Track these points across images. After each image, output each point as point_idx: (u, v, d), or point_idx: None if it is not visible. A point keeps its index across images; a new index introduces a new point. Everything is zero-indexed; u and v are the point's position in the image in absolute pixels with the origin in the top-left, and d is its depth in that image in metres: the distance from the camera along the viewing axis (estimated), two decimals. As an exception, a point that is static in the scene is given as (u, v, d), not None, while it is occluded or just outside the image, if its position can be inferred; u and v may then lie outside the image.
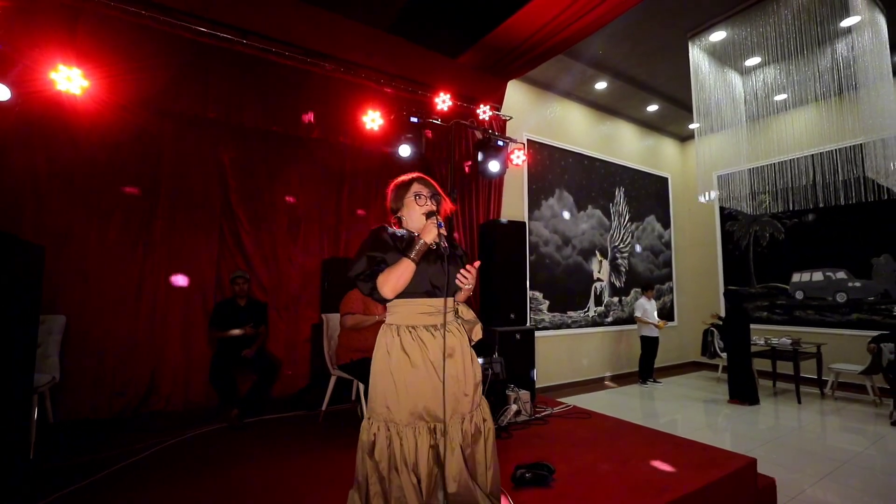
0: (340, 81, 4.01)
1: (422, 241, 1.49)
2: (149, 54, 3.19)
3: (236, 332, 3.51)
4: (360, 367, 3.05)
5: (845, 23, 4.26)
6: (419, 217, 1.58)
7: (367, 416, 1.53)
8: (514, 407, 3.26)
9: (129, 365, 3.44)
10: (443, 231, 1.51)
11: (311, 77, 3.87)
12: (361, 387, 3.06)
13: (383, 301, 1.55)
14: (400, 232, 1.60)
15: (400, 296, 1.51)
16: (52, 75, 2.77)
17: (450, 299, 1.55)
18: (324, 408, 3.34)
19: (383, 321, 1.58)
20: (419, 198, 1.60)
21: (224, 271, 3.88)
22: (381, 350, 1.52)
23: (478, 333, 1.67)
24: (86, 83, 2.86)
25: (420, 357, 1.48)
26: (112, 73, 3.04)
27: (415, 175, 1.66)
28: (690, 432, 3.74)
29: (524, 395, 3.39)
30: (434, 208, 1.59)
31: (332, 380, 3.32)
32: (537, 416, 3.43)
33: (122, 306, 3.45)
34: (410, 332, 1.50)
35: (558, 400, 4.13)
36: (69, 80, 2.79)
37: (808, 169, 5.43)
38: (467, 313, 1.68)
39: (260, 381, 3.42)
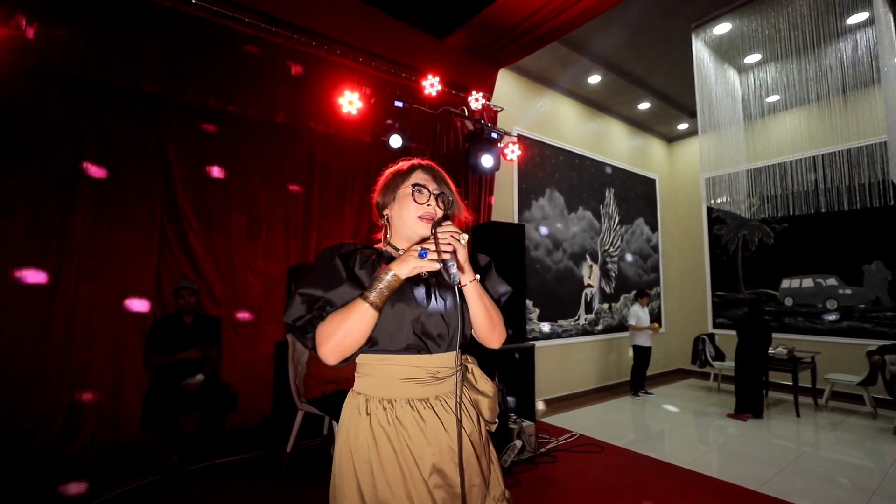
0: (311, 57, 3.41)
1: (390, 275, 0.90)
2: (65, 6, 2.50)
3: (186, 355, 2.86)
4: (334, 403, 2.48)
5: (853, 19, 4.03)
6: (413, 221, 1.01)
7: None
8: (518, 443, 2.77)
9: (36, 401, 2.71)
10: (432, 259, 0.90)
11: (276, 50, 3.25)
12: (335, 424, 2.50)
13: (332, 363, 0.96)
14: (374, 250, 1.04)
15: (369, 349, 0.96)
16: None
17: (453, 354, 0.99)
18: (289, 448, 2.74)
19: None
20: (420, 192, 1.02)
21: (166, 281, 3.19)
22: (342, 432, 0.97)
23: (490, 413, 1.06)
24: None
25: (395, 453, 0.92)
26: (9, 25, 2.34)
27: (419, 161, 1.09)
28: (703, 458, 3.36)
29: (528, 427, 2.92)
30: (439, 213, 1.02)
31: (300, 415, 2.72)
32: (542, 450, 2.97)
33: (27, 325, 2.71)
34: (386, 408, 0.95)
35: (558, 426, 3.69)
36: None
37: (809, 172, 5.24)
38: (481, 379, 1.08)
39: (209, 418, 2.79)
